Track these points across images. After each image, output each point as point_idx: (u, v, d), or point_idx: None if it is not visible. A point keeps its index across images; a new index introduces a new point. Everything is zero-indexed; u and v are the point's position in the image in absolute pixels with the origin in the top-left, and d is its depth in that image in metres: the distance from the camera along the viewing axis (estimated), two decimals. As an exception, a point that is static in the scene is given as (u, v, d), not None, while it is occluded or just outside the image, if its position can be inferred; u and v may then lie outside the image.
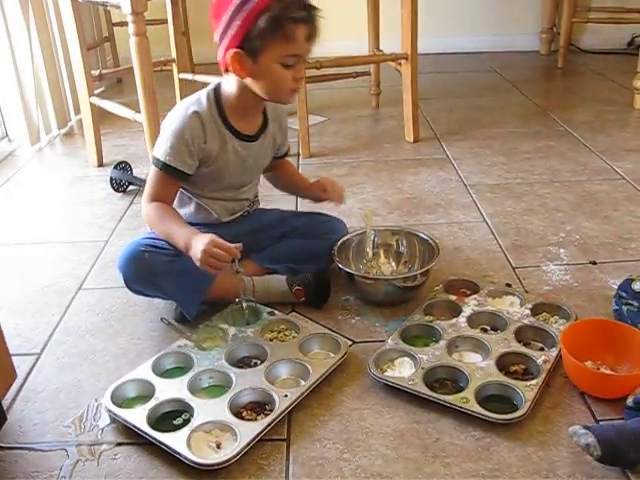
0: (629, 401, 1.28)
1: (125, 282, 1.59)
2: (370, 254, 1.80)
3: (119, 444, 1.27)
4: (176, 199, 1.65)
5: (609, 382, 1.36)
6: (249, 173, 1.70)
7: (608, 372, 1.38)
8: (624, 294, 1.55)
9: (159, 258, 1.54)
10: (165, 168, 1.54)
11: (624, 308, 1.52)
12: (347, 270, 1.67)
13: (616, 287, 1.61)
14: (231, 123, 1.58)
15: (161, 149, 1.54)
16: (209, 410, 1.28)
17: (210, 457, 1.18)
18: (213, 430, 1.24)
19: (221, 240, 1.44)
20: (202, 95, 1.57)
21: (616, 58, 4.21)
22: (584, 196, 2.30)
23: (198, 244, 1.43)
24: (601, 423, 1.28)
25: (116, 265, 1.58)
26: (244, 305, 1.57)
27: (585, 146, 2.77)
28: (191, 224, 1.58)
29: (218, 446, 1.21)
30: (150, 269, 1.54)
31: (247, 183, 1.72)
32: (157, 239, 1.57)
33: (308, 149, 2.66)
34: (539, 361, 1.40)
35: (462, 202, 2.27)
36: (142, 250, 1.55)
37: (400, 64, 2.73)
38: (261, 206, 1.84)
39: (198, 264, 1.44)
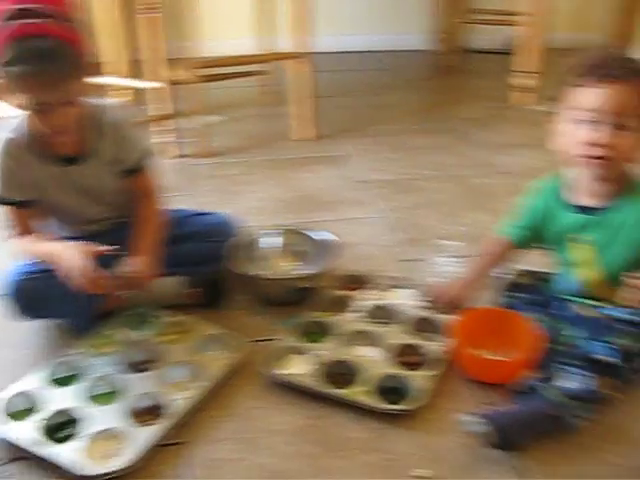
0: (518, 385, 1.35)
1: (14, 315, 1.52)
2: (266, 254, 1.80)
3: (13, 460, 1.23)
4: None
5: (497, 367, 1.42)
6: (86, 197, 1.58)
7: (497, 358, 1.44)
8: (510, 288, 1.62)
9: (41, 283, 1.48)
10: (4, 202, 1.51)
11: (512, 301, 1.59)
12: (242, 271, 1.67)
13: (504, 277, 1.67)
14: (43, 149, 1.49)
15: None
16: (105, 417, 1.26)
17: (105, 466, 1.16)
18: (110, 437, 1.23)
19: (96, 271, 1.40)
20: (21, 118, 1.49)
21: (501, 57, 4.33)
22: (471, 189, 2.38)
23: (72, 265, 1.40)
24: (492, 410, 1.32)
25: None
26: (129, 311, 1.55)
27: (472, 141, 2.87)
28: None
29: (115, 454, 1.19)
30: (35, 297, 1.49)
31: (93, 209, 1.61)
32: (39, 262, 1.51)
33: (204, 149, 2.64)
34: (431, 351, 1.45)
35: (356, 198, 2.30)
36: (23, 279, 1.49)
37: (295, 62, 2.75)
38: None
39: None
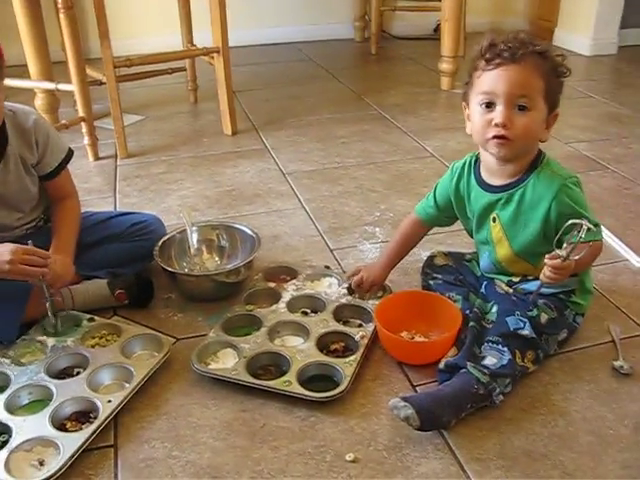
0: (441, 365, 1.38)
1: None
2: (192, 251, 1.80)
3: None
4: None
5: (421, 349, 1.46)
6: (5, 205, 1.56)
7: (418, 340, 1.47)
8: (428, 270, 1.65)
9: None
10: None
11: (431, 282, 1.62)
12: (169, 269, 1.67)
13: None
14: None
15: None
16: (29, 427, 1.24)
17: (31, 476, 1.15)
18: (34, 447, 1.21)
19: (26, 246, 1.41)
20: None
21: (424, 43, 4.43)
22: (397, 175, 2.42)
23: (0, 256, 1.38)
24: (417, 392, 1.36)
25: None
26: (50, 314, 1.51)
27: (397, 127, 2.91)
28: None
29: (41, 463, 1.18)
30: None
31: (16, 217, 1.59)
32: None
33: (125, 149, 2.61)
34: (357, 337, 1.47)
35: (280, 190, 2.31)
36: None
37: (213, 58, 2.73)
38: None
39: (7, 275, 1.39)
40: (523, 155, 1.39)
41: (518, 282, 1.51)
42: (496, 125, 1.32)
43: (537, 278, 1.44)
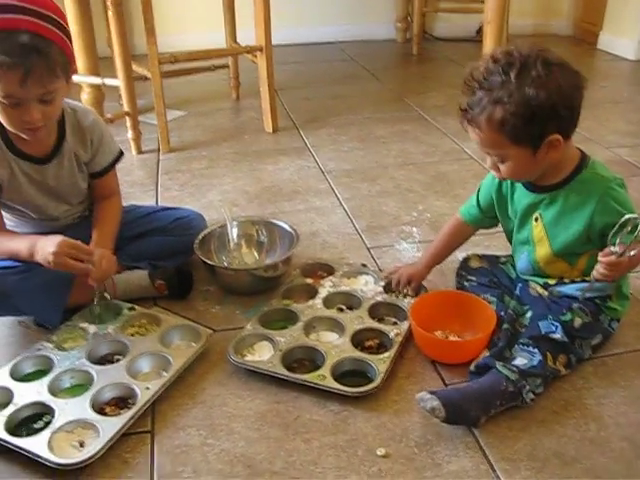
0: (472, 367, 1.39)
1: None
2: (232, 245, 1.83)
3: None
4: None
5: (454, 348, 1.47)
6: (56, 197, 1.61)
7: (452, 339, 1.48)
8: (463, 272, 1.66)
9: (9, 279, 1.50)
10: None
11: (466, 284, 1.63)
12: (208, 262, 1.70)
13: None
14: (17, 146, 1.50)
15: None
16: (71, 410, 1.28)
17: (72, 456, 1.19)
18: (75, 429, 1.25)
19: (72, 240, 1.44)
20: None
21: (466, 45, 4.42)
22: (436, 176, 2.42)
23: (47, 247, 1.42)
24: (447, 387, 1.37)
25: None
26: (95, 304, 1.56)
27: (437, 129, 2.92)
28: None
29: (81, 444, 1.22)
30: (1, 293, 1.50)
31: (63, 209, 1.65)
32: (2, 260, 1.53)
33: (167, 144, 2.66)
34: (391, 335, 1.48)
35: (319, 188, 2.34)
36: None
37: (256, 56, 2.77)
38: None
39: (51, 265, 1.43)
40: (551, 170, 1.40)
41: (554, 285, 1.51)
42: None
43: (573, 281, 1.45)
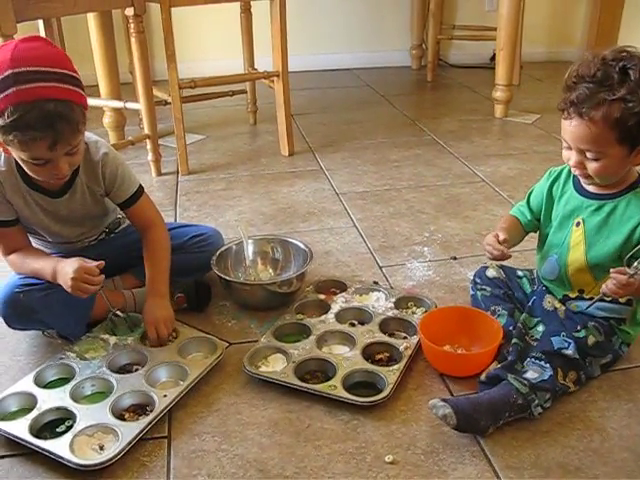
0: (482, 377, 1.43)
1: (6, 324, 1.60)
2: (248, 262, 1.89)
3: (2, 457, 1.30)
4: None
5: (462, 361, 1.51)
6: (72, 224, 1.66)
7: (460, 352, 1.52)
8: (479, 280, 1.70)
9: (35, 295, 1.55)
10: None
11: (479, 294, 1.67)
12: (225, 277, 1.76)
13: (473, 278, 1.76)
14: (31, 179, 1.53)
15: None
16: (91, 415, 1.34)
17: (92, 458, 1.24)
18: (96, 433, 1.30)
19: (88, 264, 1.49)
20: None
21: (481, 72, 4.48)
22: (447, 199, 2.48)
23: (67, 271, 1.48)
24: (458, 396, 1.41)
25: None
26: (111, 318, 1.63)
27: (450, 153, 2.97)
28: (58, 253, 1.65)
29: (101, 448, 1.27)
30: (28, 308, 1.55)
31: (78, 233, 1.69)
32: (28, 277, 1.59)
33: (186, 166, 2.73)
34: (401, 348, 1.53)
35: (333, 210, 2.39)
36: (17, 292, 1.55)
37: (273, 81, 2.85)
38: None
39: (69, 291, 1.49)
40: (614, 180, 1.44)
41: (574, 298, 1.53)
42: (571, 165, 1.41)
43: (592, 298, 1.47)
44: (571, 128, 1.35)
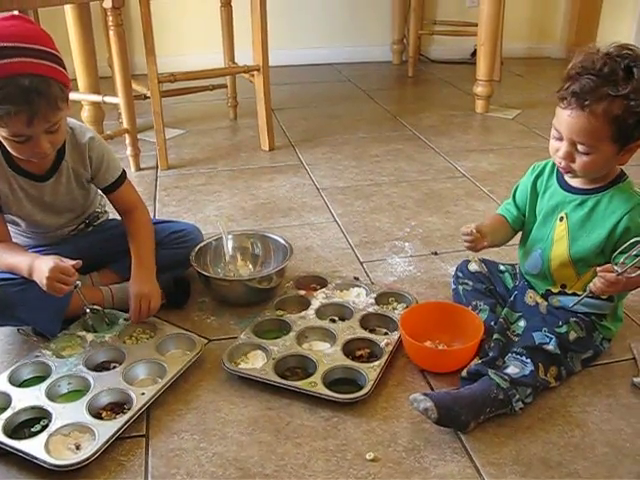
0: (463, 373, 1.43)
1: None
2: (227, 258, 1.87)
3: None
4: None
5: (443, 357, 1.50)
6: (55, 212, 1.65)
7: (440, 348, 1.51)
8: (460, 274, 1.70)
9: (9, 290, 1.53)
10: None
11: (460, 288, 1.67)
12: (204, 273, 1.74)
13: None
14: (16, 163, 1.54)
15: None
16: (68, 414, 1.31)
17: (68, 458, 1.22)
18: (72, 432, 1.28)
19: (64, 263, 1.46)
20: None
21: (461, 67, 4.48)
22: (428, 194, 2.47)
23: (42, 269, 1.45)
24: (440, 390, 1.40)
25: None
26: (87, 314, 1.60)
27: (431, 148, 2.97)
28: (36, 246, 1.62)
29: (77, 447, 1.25)
30: (3, 303, 1.53)
31: (58, 222, 1.69)
32: (3, 272, 1.56)
33: (166, 161, 2.70)
34: (382, 344, 1.52)
35: (314, 205, 2.38)
36: None
37: (253, 75, 2.83)
38: (112, 216, 1.85)
39: (45, 289, 1.46)
40: (596, 176, 1.44)
41: (556, 293, 1.53)
42: (558, 157, 1.39)
43: (575, 294, 1.48)
44: (569, 118, 1.34)
